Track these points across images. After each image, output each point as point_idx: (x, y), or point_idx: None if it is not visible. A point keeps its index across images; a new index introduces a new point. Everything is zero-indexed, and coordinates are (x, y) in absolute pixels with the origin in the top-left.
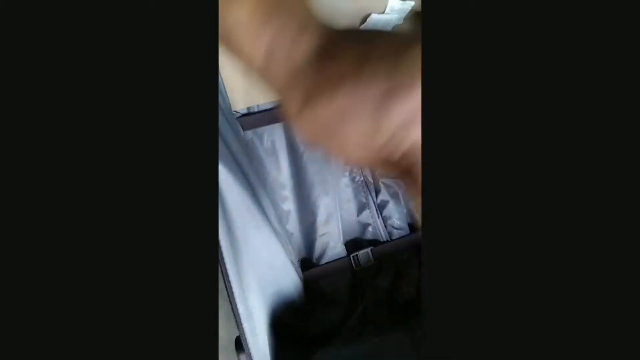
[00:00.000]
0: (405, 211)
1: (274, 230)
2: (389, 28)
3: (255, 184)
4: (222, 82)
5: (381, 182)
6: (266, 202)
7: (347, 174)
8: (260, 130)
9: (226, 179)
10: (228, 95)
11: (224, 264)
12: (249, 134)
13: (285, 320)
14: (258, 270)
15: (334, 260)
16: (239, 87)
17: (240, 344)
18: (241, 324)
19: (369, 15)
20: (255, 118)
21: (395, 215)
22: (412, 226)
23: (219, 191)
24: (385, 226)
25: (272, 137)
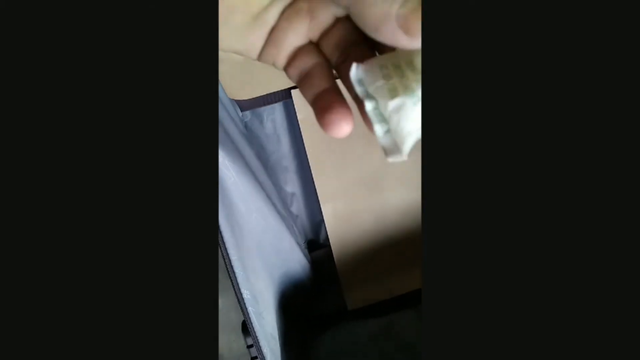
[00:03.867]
0: None
1: (278, 212)
2: None
3: (255, 167)
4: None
5: None
6: (268, 185)
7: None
8: (259, 110)
9: (223, 161)
10: (225, 87)
11: (225, 249)
12: (248, 114)
13: (294, 302)
14: (264, 253)
15: None
16: (237, 80)
17: (246, 328)
18: (246, 308)
19: None
20: (255, 99)
21: None
22: None
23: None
24: None
25: (272, 116)
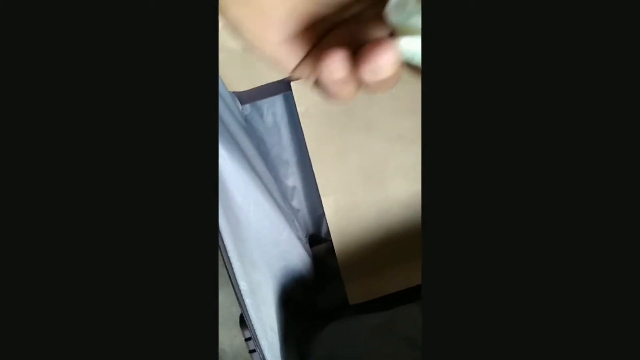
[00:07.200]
0: None
1: (277, 205)
2: None
3: (253, 159)
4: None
5: None
6: (267, 178)
7: None
8: (259, 103)
9: (220, 152)
10: (224, 79)
11: (222, 239)
12: (248, 107)
13: (295, 296)
14: (262, 245)
15: None
16: (236, 70)
17: (244, 321)
18: (243, 300)
19: None
20: (254, 91)
21: None
22: None
23: None
24: None
25: (273, 109)
